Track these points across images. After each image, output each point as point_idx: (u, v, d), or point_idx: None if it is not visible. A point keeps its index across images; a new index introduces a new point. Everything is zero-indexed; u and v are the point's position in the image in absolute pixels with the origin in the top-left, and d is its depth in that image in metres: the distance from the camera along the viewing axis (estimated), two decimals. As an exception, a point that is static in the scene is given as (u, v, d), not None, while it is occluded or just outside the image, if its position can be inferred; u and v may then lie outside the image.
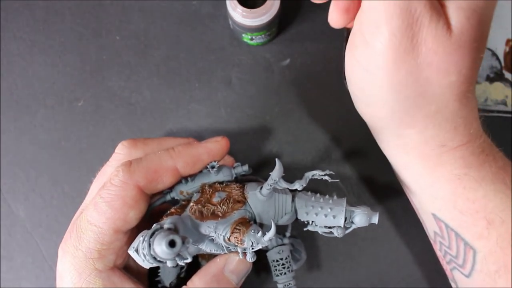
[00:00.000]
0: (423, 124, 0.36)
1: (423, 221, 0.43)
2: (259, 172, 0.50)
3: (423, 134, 0.37)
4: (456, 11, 0.33)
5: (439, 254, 0.41)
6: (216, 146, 0.39)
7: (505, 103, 0.50)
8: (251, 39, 0.49)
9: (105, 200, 0.36)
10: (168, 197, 0.40)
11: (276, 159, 0.34)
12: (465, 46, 0.33)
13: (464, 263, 0.38)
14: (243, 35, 0.49)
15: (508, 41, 0.51)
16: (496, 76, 0.51)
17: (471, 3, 0.33)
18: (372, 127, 0.41)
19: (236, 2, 0.45)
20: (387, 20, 0.32)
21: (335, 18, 0.37)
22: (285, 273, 0.40)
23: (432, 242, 0.42)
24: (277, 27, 0.50)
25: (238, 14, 0.45)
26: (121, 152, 0.41)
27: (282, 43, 0.52)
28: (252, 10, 0.45)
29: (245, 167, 0.40)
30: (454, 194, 0.37)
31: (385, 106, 0.36)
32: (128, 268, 0.40)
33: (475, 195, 0.36)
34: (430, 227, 0.41)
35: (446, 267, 0.41)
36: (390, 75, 0.34)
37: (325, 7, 0.51)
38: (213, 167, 0.38)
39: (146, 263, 0.32)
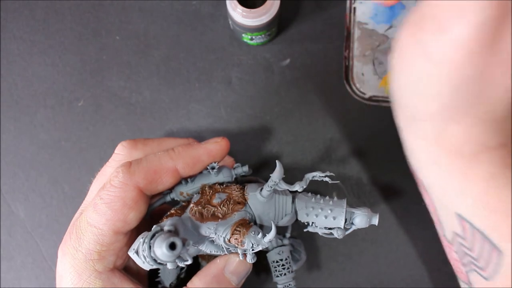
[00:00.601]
0: (470, 122, 0.34)
1: (439, 221, 0.41)
2: (259, 172, 0.50)
3: (467, 132, 0.35)
4: None
5: (454, 256, 0.40)
6: (216, 147, 0.39)
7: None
8: (251, 39, 0.49)
9: (105, 202, 0.35)
10: (168, 198, 0.40)
11: (277, 160, 0.34)
12: None
13: (486, 265, 0.37)
14: (243, 35, 0.49)
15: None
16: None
17: None
18: (407, 115, 0.38)
19: (236, 2, 0.45)
20: (479, 7, 0.29)
21: None
22: (285, 274, 0.40)
23: (445, 243, 0.41)
24: (277, 27, 0.50)
25: (238, 14, 0.45)
26: (121, 153, 0.41)
27: (282, 43, 0.52)
28: (252, 10, 0.45)
29: (245, 168, 0.40)
30: (486, 194, 0.35)
31: (437, 99, 0.34)
32: (128, 269, 0.40)
33: (509, 195, 0.35)
34: (449, 227, 0.39)
35: (461, 270, 0.40)
36: (458, 69, 0.31)
37: (325, 6, 0.51)
38: (213, 168, 0.38)
39: (146, 265, 0.32)
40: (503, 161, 0.35)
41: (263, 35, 0.48)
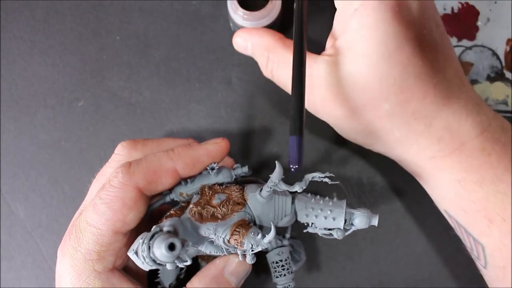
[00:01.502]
0: (409, 142, 0.38)
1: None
2: (259, 173, 0.50)
3: (411, 151, 0.38)
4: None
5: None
6: (216, 147, 0.39)
7: (506, 103, 0.50)
8: (252, 41, 0.49)
9: (104, 202, 0.36)
10: (167, 199, 0.40)
11: (276, 161, 0.34)
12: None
13: (478, 256, 0.39)
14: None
15: (508, 40, 0.51)
16: (497, 76, 0.51)
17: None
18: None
19: (237, 4, 0.45)
20: None
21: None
22: (284, 275, 0.40)
23: None
24: (278, 30, 0.49)
25: (239, 16, 0.45)
26: (121, 153, 0.41)
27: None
28: (253, 13, 0.45)
29: (245, 169, 0.40)
30: (457, 196, 0.38)
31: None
32: (127, 269, 0.40)
33: (476, 196, 0.37)
34: (449, 220, 0.42)
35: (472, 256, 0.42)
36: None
37: (329, 9, 0.51)
38: (212, 169, 0.38)
39: (145, 266, 0.32)
40: (463, 165, 0.37)
41: (263, 37, 0.48)
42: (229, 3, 0.45)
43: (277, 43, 0.42)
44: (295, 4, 0.38)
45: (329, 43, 0.41)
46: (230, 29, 0.51)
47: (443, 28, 0.40)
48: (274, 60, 0.42)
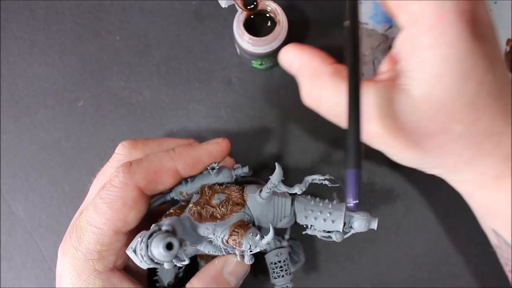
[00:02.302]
0: (475, 162, 0.36)
1: (484, 230, 0.42)
2: (259, 173, 0.50)
3: (476, 170, 0.36)
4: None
5: (500, 259, 0.42)
6: (217, 147, 0.39)
7: (505, 104, 0.50)
8: (261, 64, 0.49)
9: (105, 201, 0.36)
10: (167, 198, 0.40)
11: (276, 163, 0.34)
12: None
13: None
14: (252, 61, 0.48)
15: (508, 40, 0.51)
16: (497, 76, 0.51)
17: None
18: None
19: (243, 30, 0.44)
20: None
21: None
22: (283, 276, 0.40)
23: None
24: None
25: (245, 41, 0.45)
26: (121, 153, 0.41)
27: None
28: (261, 38, 0.44)
29: (245, 169, 0.40)
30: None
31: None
32: (128, 269, 0.40)
33: None
34: (490, 238, 0.41)
35: (507, 273, 0.41)
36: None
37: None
38: (213, 169, 0.38)
39: (143, 264, 0.32)
40: None
41: (270, 61, 0.48)
42: (235, 28, 0.45)
43: (327, 69, 0.38)
44: (345, 30, 0.35)
45: (386, 66, 0.38)
46: (230, 29, 0.51)
47: None
48: (322, 87, 0.38)
